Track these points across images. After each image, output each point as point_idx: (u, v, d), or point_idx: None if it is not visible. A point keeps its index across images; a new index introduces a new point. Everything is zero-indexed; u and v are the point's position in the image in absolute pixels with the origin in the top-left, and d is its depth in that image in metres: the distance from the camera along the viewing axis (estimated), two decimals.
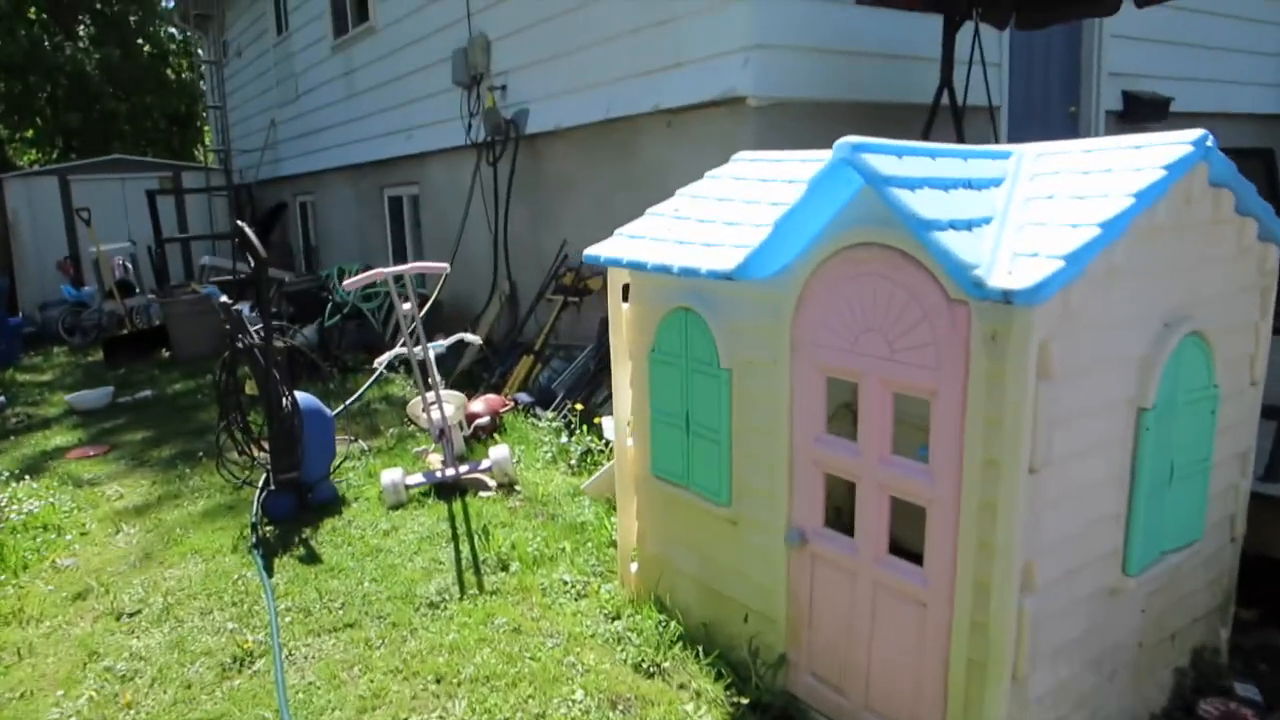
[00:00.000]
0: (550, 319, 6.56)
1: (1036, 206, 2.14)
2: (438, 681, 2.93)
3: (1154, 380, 2.22)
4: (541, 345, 6.51)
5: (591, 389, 5.58)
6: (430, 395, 4.78)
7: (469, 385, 6.74)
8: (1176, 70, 7.18)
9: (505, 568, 3.72)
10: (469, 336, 5.16)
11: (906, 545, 2.49)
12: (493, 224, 7.43)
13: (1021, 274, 1.86)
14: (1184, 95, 7.05)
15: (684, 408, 2.92)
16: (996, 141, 5.62)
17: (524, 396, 5.91)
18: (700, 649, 2.94)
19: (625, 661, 2.98)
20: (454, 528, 4.18)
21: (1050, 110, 6.53)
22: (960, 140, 4.92)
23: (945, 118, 4.93)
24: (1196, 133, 2.16)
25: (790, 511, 2.62)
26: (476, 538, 4.01)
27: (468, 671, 2.95)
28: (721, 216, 2.92)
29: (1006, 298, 1.83)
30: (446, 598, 3.47)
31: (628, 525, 3.35)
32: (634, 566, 3.37)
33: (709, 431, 2.83)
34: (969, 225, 2.02)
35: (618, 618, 3.25)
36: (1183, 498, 2.44)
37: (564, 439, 5.06)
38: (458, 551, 3.91)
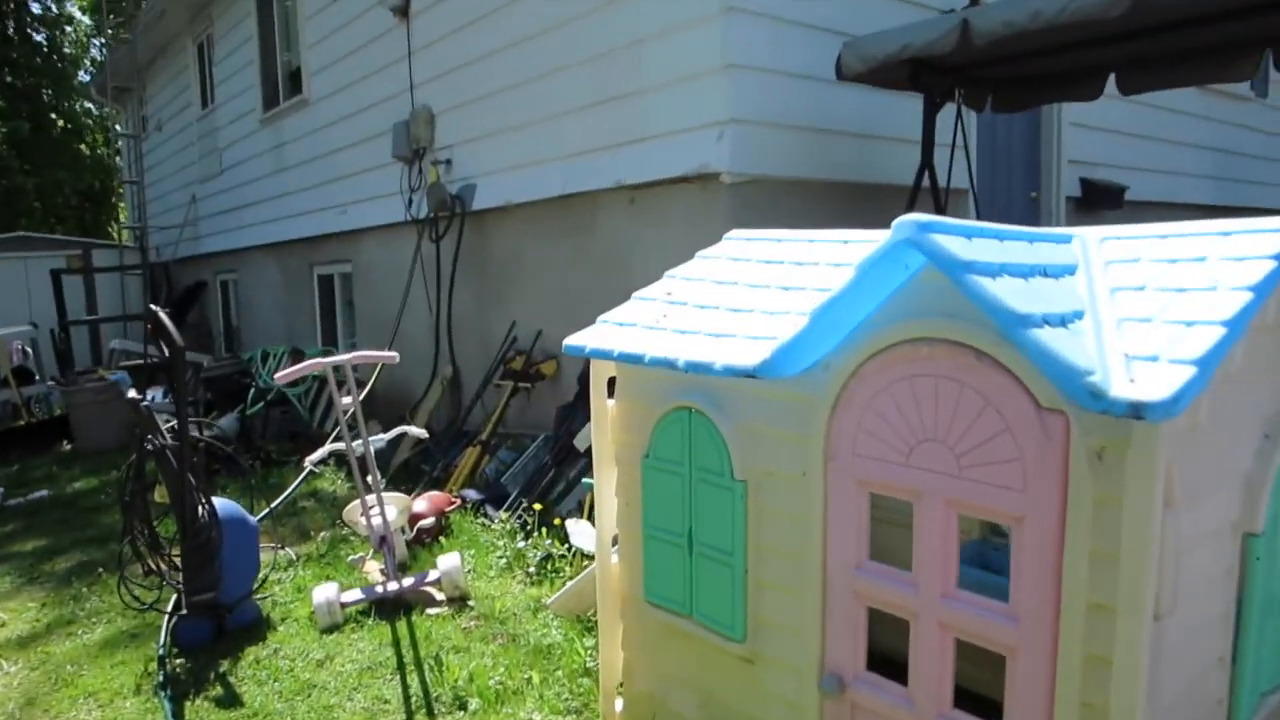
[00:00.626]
0: (499, 406, 6.10)
1: (1128, 299, 1.83)
2: None
3: (1262, 500, 1.90)
4: (489, 435, 6.02)
5: (549, 485, 5.10)
6: (370, 498, 4.26)
7: (408, 479, 6.20)
8: (1129, 160, 7.25)
9: (463, 705, 3.19)
10: (412, 429, 4.66)
11: (973, 688, 2.11)
12: (435, 304, 6.99)
13: (1149, 382, 1.52)
14: (1136, 184, 7.10)
15: (686, 524, 2.51)
16: None
17: (472, 493, 5.40)
18: None
19: None
20: (400, 655, 3.63)
21: (1013, 195, 6.46)
22: None
23: (921, 200, 4.74)
24: None
25: (824, 651, 2.20)
26: (427, 668, 3.47)
27: None
28: (725, 302, 2.56)
29: (1136, 411, 1.48)
30: None
31: (611, 657, 2.88)
32: (619, 705, 2.89)
33: (718, 553, 2.42)
34: (1063, 321, 1.69)
35: None
36: (1278, 631, 2.11)
37: (520, 542, 4.57)
38: (405, 686, 3.36)
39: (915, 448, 1.95)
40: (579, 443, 4.98)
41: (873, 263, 1.87)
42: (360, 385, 5.69)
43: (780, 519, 2.27)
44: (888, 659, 2.20)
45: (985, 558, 3.01)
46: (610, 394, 2.80)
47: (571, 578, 4.14)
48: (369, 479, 4.28)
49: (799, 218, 4.68)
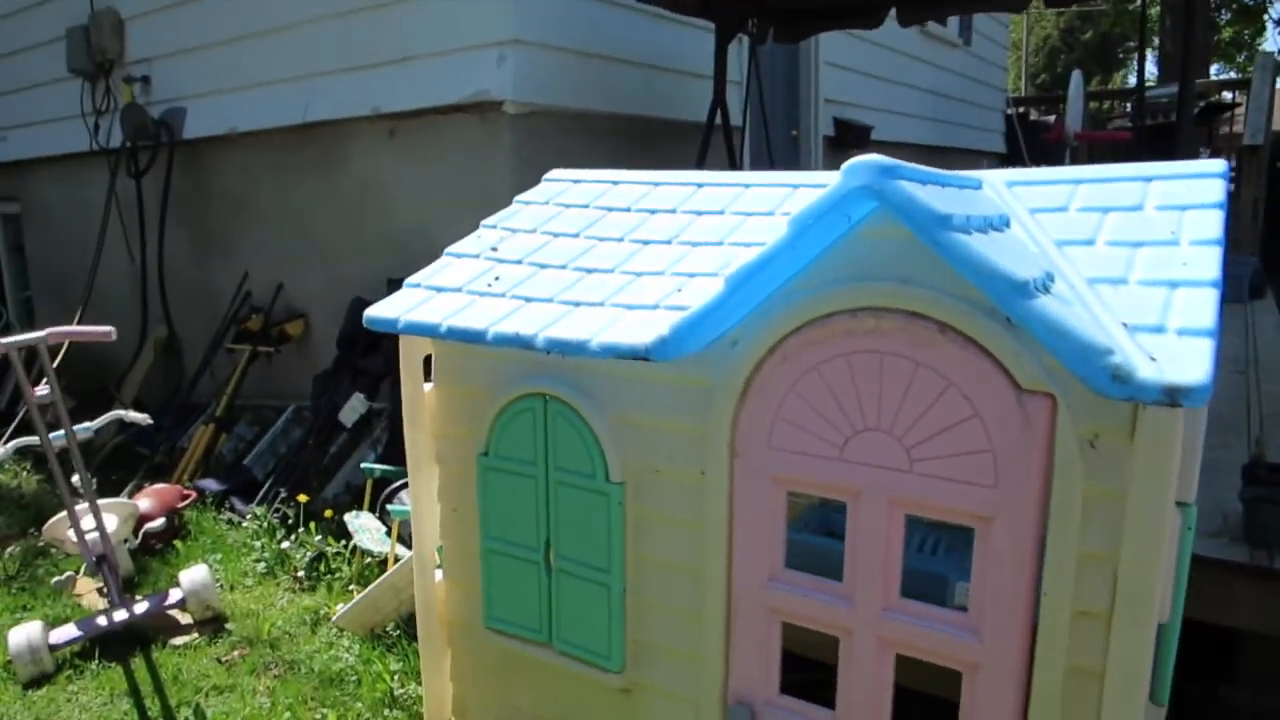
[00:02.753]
0: (234, 374, 5.16)
1: (1082, 256, 1.59)
2: None
3: (1194, 470, 1.77)
4: (224, 409, 5.09)
5: (308, 469, 4.36)
6: (81, 505, 3.35)
7: (120, 467, 5.12)
8: (870, 100, 7.47)
9: None
10: (131, 413, 3.73)
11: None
12: (140, 253, 5.79)
13: (1174, 361, 1.28)
14: (879, 125, 7.34)
15: (542, 535, 2.04)
16: (772, 165, 5.30)
17: (212, 483, 4.52)
18: None
19: None
20: (142, 708, 2.87)
21: (775, 132, 6.40)
22: (734, 164, 4.48)
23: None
24: (1218, 164, 1.75)
25: (728, 677, 1.86)
26: None
27: None
28: (573, 260, 2.10)
29: (1171, 397, 1.23)
30: None
31: (439, 691, 2.38)
32: None
33: (588, 570, 1.99)
34: (1046, 286, 1.41)
35: None
36: None
37: (283, 542, 3.84)
38: None
39: (852, 439, 1.63)
40: (345, 417, 4.28)
41: (818, 215, 1.48)
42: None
43: (670, 527, 1.87)
44: (791, 661, 1.90)
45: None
46: (426, 376, 2.24)
47: (353, 580, 3.53)
48: (75, 481, 3.36)
49: (586, 155, 4.23)
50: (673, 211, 2.21)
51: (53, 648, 3.14)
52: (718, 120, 4.38)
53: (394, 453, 4.09)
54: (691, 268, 1.93)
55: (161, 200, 5.55)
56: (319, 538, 3.77)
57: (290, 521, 3.97)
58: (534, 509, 2.04)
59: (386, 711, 2.76)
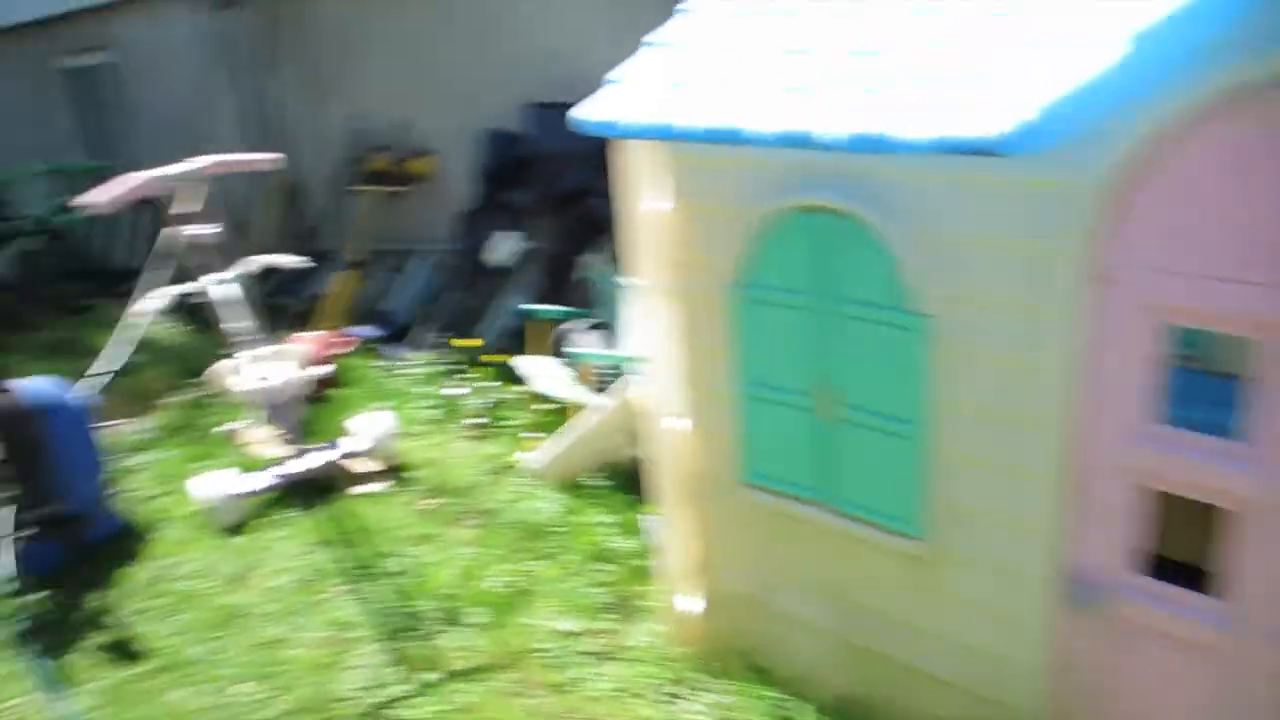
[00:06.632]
0: (364, 217, 4.93)
1: None
2: None
3: None
4: (360, 254, 4.90)
5: (462, 313, 4.17)
6: (253, 352, 3.24)
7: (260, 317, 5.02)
8: None
9: (455, 619, 2.45)
10: (284, 258, 3.54)
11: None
12: (254, 95, 5.50)
13: None
14: None
15: (821, 377, 1.75)
16: None
17: (366, 330, 4.37)
18: None
19: None
20: (347, 555, 2.80)
21: None
22: None
23: None
24: None
25: (1070, 550, 1.57)
26: (393, 570, 2.66)
27: None
28: (833, 42, 1.64)
29: None
30: (387, 701, 2.17)
31: (684, 548, 2.18)
32: (694, 605, 2.21)
33: (881, 419, 1.69)
34: None
35: (681, 687, 2.13)
36: None
37: (455, 389, 3.68)
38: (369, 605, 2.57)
39: (1270, 255, 1.25)
40: (498, 257, 4.02)
41: None
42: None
43: (993, 368, 1.55)
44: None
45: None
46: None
47: (530, 429, 3.36)
48: (241, 328, 3.25)
49: None
50: None
51: (247, 494, 3.09)
52: None
53: (551, 292, 3.84)
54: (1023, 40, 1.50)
55: (264, 37, 5.18)
56: (488, 383, 3.60)
57: (454, 369, 3.81)
58: (807, 347, 1.74)
59: (598, 565, 2.61)
